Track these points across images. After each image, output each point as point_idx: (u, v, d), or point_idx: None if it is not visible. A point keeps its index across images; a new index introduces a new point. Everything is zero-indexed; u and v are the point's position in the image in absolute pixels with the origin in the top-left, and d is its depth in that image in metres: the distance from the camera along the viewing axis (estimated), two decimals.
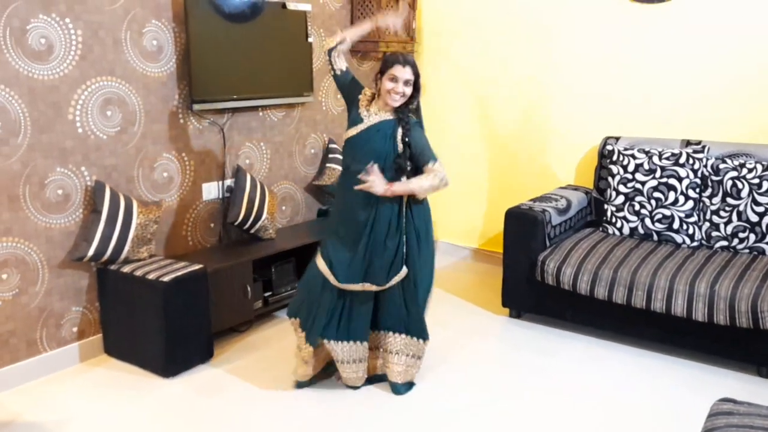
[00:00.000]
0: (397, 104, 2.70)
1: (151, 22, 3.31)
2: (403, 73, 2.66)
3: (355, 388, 2.95)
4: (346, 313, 2.83)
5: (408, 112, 2.74)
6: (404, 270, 2.77)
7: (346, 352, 2.84)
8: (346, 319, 2.83)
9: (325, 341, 2.83)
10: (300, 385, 2.97)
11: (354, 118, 2.78)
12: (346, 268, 2.76)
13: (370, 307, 2.85)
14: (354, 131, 2.75)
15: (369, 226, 2.73)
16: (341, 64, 2.79)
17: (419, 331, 2.88)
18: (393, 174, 2.70)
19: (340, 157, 3.51)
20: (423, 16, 4.73)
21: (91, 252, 3.06)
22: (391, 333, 2.89)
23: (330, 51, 2.76)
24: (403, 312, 2.85)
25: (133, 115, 3.29)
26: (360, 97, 2.80)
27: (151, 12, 3.30)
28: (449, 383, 3.00)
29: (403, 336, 2.88)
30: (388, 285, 2.77)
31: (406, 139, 2.69)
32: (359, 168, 2.65)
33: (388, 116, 2.72)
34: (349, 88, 2.82)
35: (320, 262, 2.80)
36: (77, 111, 3.07)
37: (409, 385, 2.94)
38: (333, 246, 2.80)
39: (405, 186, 2.68)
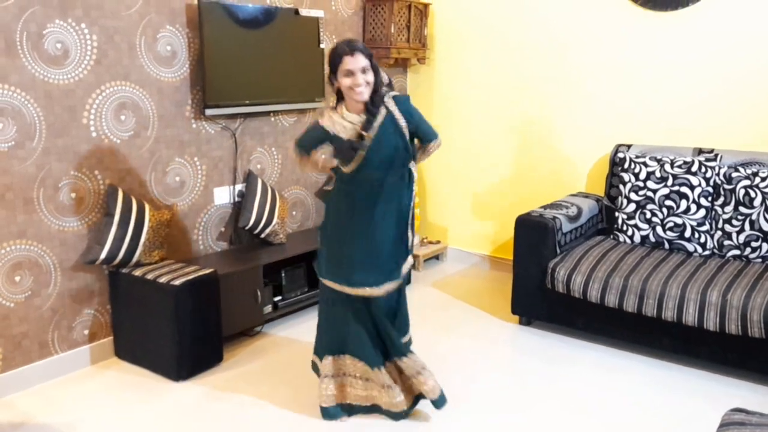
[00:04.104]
0: (366, 97, 2.47)
1: (165, 28, 3.34)
2: (356, 62, 2.42)
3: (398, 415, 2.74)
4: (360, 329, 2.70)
5: (383, 96, 2.53)
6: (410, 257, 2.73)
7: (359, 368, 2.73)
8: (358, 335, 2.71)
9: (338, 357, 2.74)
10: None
11: (345, 148, 2.53)
12: (362, 273, 2.61)
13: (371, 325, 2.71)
14: (356, 163, 2.53)
15: (389, 218, 2.60)
16: (309, 151, 2.66)
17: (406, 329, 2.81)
18: (404, 162, 2.60)
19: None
20: (435, 23, 4.75)
21: (103, 255, 3.08)
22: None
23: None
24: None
25: (146, 120, 3.32)
26: (329, 131, 2.55)
27: (165, 18, 3.33)
28: (457, 391, 2.99)
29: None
30: (401, 277, 2.68)
31: (410, 122, 2.58)
32: (378, 176, 2.55)
33: (379, 115, 2.52)
34: (319, 141, 2.62)
35: (328, 282, 2.69)
36: (92, 115, 3.10)
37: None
38: (339, 261, 2.65)
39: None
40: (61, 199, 3.04)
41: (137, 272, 3.13)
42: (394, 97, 2.58)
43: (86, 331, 3.21)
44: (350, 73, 2.44)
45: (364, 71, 2.45)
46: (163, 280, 3.04)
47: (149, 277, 3.08)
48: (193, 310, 3.06)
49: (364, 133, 2.51)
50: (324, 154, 2.76)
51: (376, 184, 2.57)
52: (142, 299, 3.12)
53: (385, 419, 2.74)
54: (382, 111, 2.53)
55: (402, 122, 2.56)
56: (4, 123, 2.81)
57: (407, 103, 2.61)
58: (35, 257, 2.98)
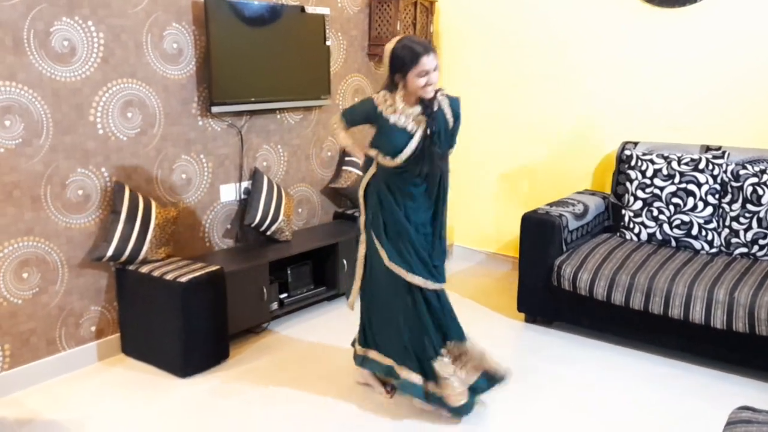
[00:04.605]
0: (432, 94, 2.56)
1: (171, 26, 3.34)
2: (432, 62, 2.50)
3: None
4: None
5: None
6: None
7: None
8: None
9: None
10: None
11: (397, 134, 2.57)
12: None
13: None
14: (409, 150, 2.57)
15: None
16: (344, 130, 2.78)
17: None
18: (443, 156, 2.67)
19: (357, 160, 3.39)
20: (440, 20, 4.74)
21: (110, 252, 3.09)
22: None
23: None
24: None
25: (152, 117, 3.33)
26: (378, 107, 2.62)
27: (172, 15, 3.33)
28: None
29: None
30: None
31: (455, 124, 2.69)
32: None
33: (423, 108, 2.58)
34: (364, 116, 2.70)
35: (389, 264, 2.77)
36: (98, 113, 3.11)
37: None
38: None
39: None
40: (68, 197, 3.05)
41: (144, 269, 3.15)
42: (449, 96, 2.65)
43: (93, 328, 3.22)
44: (425, 73, 2.50)
45: (435, 69, 2.52)
46: (169, 277, 3.05)
47: (156, 274, 3.09)
48: (199, 307, 3.07)
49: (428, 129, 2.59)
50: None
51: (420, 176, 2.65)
52: (148, 296, 3.13)
53: (389, 409, 2.75)
54: (434, 106, 2.60)
55: (450, 119, 2.63)
56: (11, 120, 2.82)
57: (458, 105, 2.67)
58: (42, 254, 2.99)
